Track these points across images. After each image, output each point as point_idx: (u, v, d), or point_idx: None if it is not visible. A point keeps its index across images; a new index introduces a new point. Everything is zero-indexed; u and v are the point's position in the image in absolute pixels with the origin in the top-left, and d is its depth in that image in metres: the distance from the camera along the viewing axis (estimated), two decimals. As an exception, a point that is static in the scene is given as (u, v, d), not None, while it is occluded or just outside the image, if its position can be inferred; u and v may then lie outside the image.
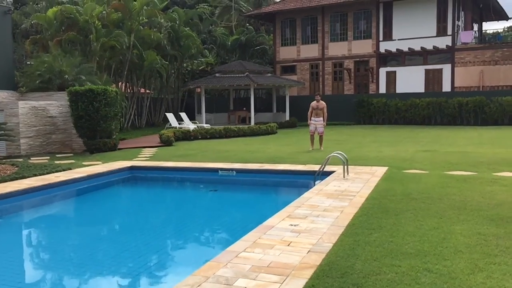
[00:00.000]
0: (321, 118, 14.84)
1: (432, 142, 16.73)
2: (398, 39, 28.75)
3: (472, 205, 6.88)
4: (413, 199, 7.35)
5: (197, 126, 22.57)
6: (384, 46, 29.25)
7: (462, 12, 29.33)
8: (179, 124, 22.78)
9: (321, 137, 14.95)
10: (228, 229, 7.75)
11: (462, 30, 28.99)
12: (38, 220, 8.84)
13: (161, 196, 11.04)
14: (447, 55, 27.88)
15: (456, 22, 28.03)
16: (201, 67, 32.77)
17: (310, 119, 15.03)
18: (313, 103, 14.98)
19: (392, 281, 4.12)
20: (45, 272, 5.92)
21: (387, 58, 29.73)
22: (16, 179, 10.04)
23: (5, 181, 9.80)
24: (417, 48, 28.09)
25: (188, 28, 28.17)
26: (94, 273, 5.62)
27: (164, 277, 5.53)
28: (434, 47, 27.67)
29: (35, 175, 10.47)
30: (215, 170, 11.44)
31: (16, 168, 11.53)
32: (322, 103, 14.96)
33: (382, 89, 29.48)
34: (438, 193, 7.76)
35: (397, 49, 28.67)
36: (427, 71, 28.40)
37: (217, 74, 27.43)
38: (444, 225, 5.84)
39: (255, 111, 26.90)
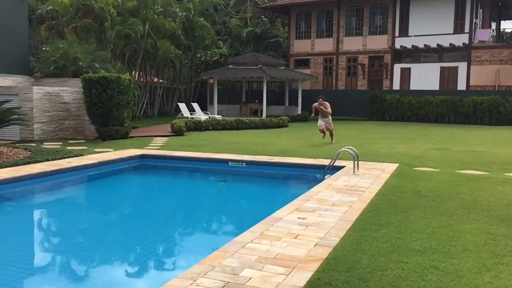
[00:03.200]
0: (329, 118, 15.31)
1: (445, 140, 16.59)
2: (414, 36, 28.44)
3: (483, 204, 6.83)
4: (423, 196, 7.31)
5: (209, 117, 22.61)
6: (399, 42, 28.96)
7: (480, 10, 28.90)
8: (191, 114, 22.83)
9: (331, 133, 15.49)
10: (235, 220, 7.78)
11: (479, 28, 28.58)
12: (48, 205, 8.94)
13: (171, 185, 11.10)
14: (464, 53, 27.55)
15: (474, 19, 27.64)
16: (214, 58, 32.73)
17: (317, 116, 15.77)
18: (316, 105, 15.44)
19: (398, 277, 4.11)
20: (54, 255, 6.00)
21: (402, 55, 29.45)
22: (29, 163, 10.16)
23: (18, 165, 9.93)
24: (433, 45, 27.78)
25: (202, 18, 28.12)
26: (102, 258, 5.68)
27: (171, 265, 5.57)
28: (450, 44, 27.34)
29: (47, 160, 10.59)
30: (225, 161, 11.46)
31: (29, 153, 11.67)
32: (325, 104, 15.31)
33: (396, 86, 29.25)
34: (449, 191, 7.70)
35: (412, 46, 28.38)
36: (442, 68, 28.10)
37: (230, 66, 27.39)
38: (453, 224, 5.80)
39: (267, 103, 26.84)
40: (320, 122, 15.48)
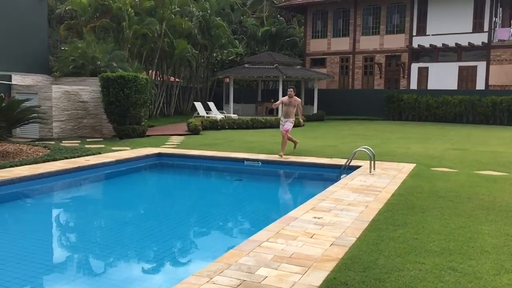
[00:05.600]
0: (293, 119, 12.02)
1: (463, 140, 16.38)
2: (432, 35, 28.12)
3: (502, 205, 6.73)
4: (440, 197, 7.23)
5: (225, 116, 22.66)
6: (417, 41, 28.67)
7: (500, 9, 28.47)
8: (207, 113, 22.92)
9: (285, 139, 11.78)
10: (251, 218, 7.80)
11: (499, 27, 28.15)
12: (67, 202, 9.07)
13: (187, 184, 11.17)
14: (483, 52, 27.15)
15: (493, 18, 27.23)
16: (230, 57, 32.80)
17: (280, 114, 12.28)
18: (285, 99, 12.02)
19: (415, 278, 4.08)
20: (72, 252, 6.09)
21: (419, 54, 29.15)
22: (48, 161, 10.31)
23: (37, 162, 10.09)
24: (451, 44, 27.44)
25: (219, 17, 28.19)
26: (119, 255, 5.74)
27: (187, 263, 5.61)
28: (469, 43, 26.98)
29: (66, 158, 10.75)
30: (241, 160, 11.49)
31: (48, 151, 11.85)
32: (296, 100, 11.92)
33: (413, 85, 28.97)
34: (467, 192, 7.61)
35: (430, 45, 28.06)
36: (461, 68, 27.74)
37: (246, 65, 27.42)
38: (471, 225, 5.73)
39: (283, 103, 26.78)
40: (286, 125, 11.89)
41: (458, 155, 12.24)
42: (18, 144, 13.04)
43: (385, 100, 27.67)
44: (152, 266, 5.44)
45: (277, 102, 12.21)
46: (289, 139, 12.19)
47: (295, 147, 12.57)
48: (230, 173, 11.72)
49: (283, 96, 26.03)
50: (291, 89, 12.07)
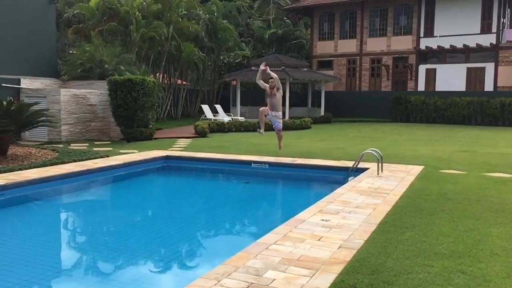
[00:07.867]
0: (280, 113, 11.29)
1: (471, 142, 16.28)
2: (440, 36, 28.02)
3: (511, 208, 6.68)
4: (449, 199, 7.19)
5: (232, 118, 22.70)
6: (424, 43, 28.57)
7: (508, 10, 28.28)
8: (214, 116, 22.97)
9: (279, 135, 11.68)
10: (259, 221, 7.80)
11: (507, 28, 27.97)
12: (76, 204, 9.12)
13: (195, 186, 11.18)
14: (491, 53, 27.00)
15: (502, 19, 27.08)
16: (237, 60, 32.85)
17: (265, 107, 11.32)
18: (267, 89, 11.11)
19: (424, 281, 4.06)
20: (81, 254, 6.12)
21: (427, 55, 29.05)
22: (57, 164, 10.38)
23: (46, 165, 10.15)
24: (459, 45, 27.31)
25: (226, 20, 28.27)
26: (127, 257, 5.76)
27: (194, 265, 5.62)
28: (477, 44, 26.84)
29: (74, 161, 10.80)
30: (248, 162, 11.49)
31: (57, 154, 11.92)
32: (276, 87, 10.77)
33: (421, 87, 28.86)
34: (476, 194, 7.56)
35: (438, 46, 27.95)
36: (469, 69, 27.60)
37: (253, 67, 27.42)
38: (480, 227, 5.69)
39: (290, 105, 26.78)
40: (277, 124, 11.37)
41: (467, 157, 12.17)
42: (27, 147, 13.13)
43: (392, 102, 27.59)
44: (160, 269, 5.45)
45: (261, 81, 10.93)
46: (277, 134, 11.63)
47: (280, 144, 11.94)
48: (237, 175, 11.73)
49: (289, 98, 26.15)
50: (265, 65, 10.54)
